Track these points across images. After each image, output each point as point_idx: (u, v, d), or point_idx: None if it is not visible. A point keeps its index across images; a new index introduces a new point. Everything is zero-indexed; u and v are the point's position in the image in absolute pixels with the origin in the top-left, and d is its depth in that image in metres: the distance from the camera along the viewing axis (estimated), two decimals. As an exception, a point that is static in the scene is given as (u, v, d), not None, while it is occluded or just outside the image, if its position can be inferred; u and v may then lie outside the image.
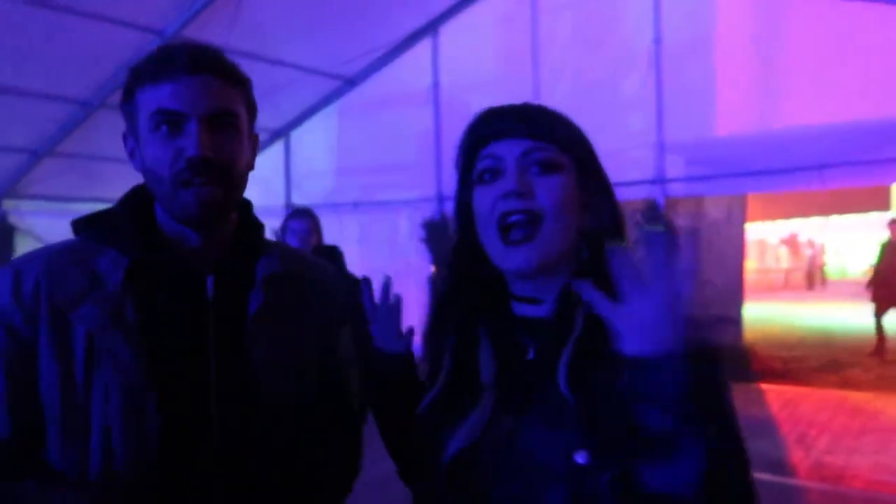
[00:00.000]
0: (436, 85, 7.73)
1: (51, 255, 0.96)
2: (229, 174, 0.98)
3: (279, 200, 9.22)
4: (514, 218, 0.80)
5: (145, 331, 0.92)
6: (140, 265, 0.95)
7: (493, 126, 0.87)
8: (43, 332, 0.90)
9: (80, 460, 0.89)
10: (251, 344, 0.99)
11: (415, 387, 0.98)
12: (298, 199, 9.13)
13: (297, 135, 9.02)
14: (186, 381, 0.94)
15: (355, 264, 8.70)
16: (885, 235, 7.61)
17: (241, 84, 1.02)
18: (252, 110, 1.05)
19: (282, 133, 9.00)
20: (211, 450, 0.95)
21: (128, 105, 1.00)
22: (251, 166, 1.07)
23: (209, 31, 6.29)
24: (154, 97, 0.94)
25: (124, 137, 1.03)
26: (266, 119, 8.50)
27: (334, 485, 1.15)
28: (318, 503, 1.11)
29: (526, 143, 0.83)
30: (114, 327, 0.90)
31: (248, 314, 0.99)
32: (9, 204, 8.46)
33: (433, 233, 7.90)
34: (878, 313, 7.54)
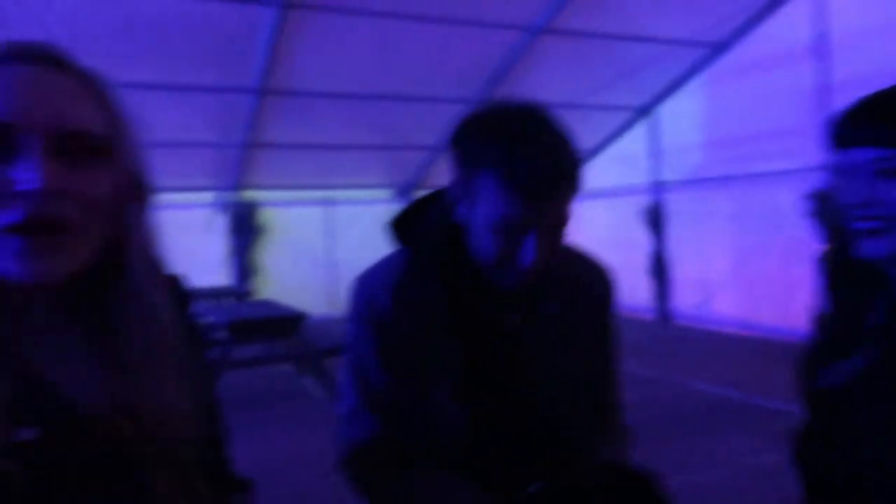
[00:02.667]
0: (821, 35, 6.79)
1: (393, 282, 1.11)
2: None
3: (645, 179, 9.18)
4: (868, 225, 0.91)
5: (468, 343, 1.08)
6: (460, 286, 1.09)
7: (845, 132, 0.92)
8: (397, 343, 1.09)
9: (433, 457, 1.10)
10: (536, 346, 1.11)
11: None
12: (666, 176, 8.96)
13: (661, 111, 8.84)
14: (496, 391, 1.09)
15: (729, 242, 8.21)
16: None
17: None
18: None
19: (645, 110, 8.91)
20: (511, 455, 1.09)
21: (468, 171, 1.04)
22: None
23: (575, 21, 6.57)
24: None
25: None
26: (629, 98, 8.52)
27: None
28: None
29: (874, 152, 0.88)
30: (444, 348, 1.08)
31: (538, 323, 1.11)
32: (418, 194, 10.07)
33: (823, 205, 7.00)
34: None
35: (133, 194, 0.70)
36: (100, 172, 0.65)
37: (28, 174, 0.59)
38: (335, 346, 5.16)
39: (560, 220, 1.00)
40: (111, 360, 0.70)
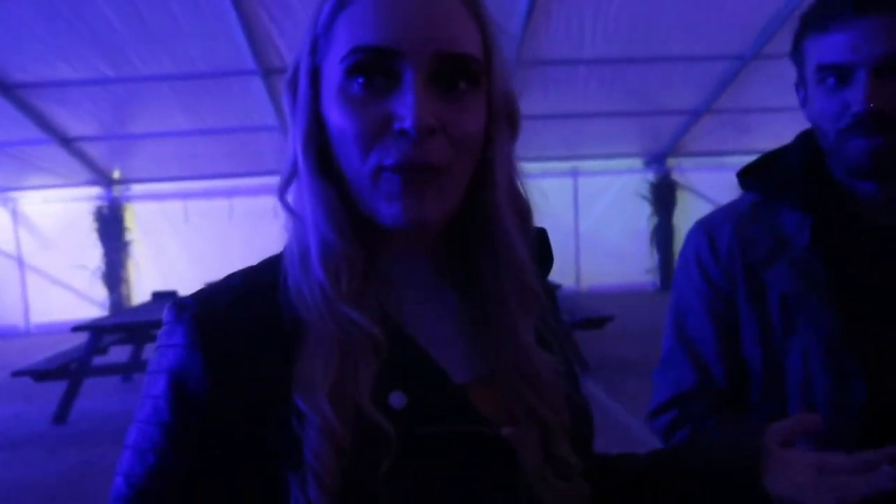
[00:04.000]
0: None
1: (738, 216, 1.01)
2: None
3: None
4: None
5: (839, 292, 0.91)
6: (824, 223, 0.94)
7: None
8: (740, 288, 0.97)
9: (778, 415, 0.94)
10: None
11: None
12: None
13: None
14: (886, 345, 0.89)
15: None
16: None
17: None
18: None
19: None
20: None
21: (796, 55, 0.98)
22: None
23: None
24: (818, 49, 0.90)
25: (796, 87, 1.01)
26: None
27: None
28: None
29: None
30: (808, 289, 0.91)
31: None
32: (672, 162, 9.52)
33: None
34: None
35: (503, 124, 0.62)
36: (476, 102, 0.59)
37: (409, 109, 0.54)
38: (585, 318, 5.09)
39: (891, 53, 0.84)
40: (478, 321, 0.64)
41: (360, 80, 0.56)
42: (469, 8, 0.59)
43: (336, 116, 0.58)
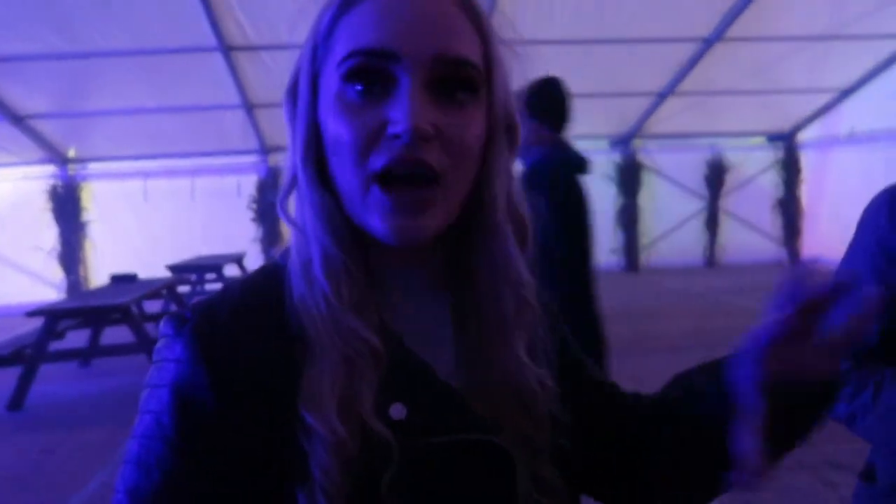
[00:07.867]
0: None
1: None
2: None
3: (917, 119, 7.77)
4: None
5: None
6: None
7: None
8: None
9: None
10: None
11: None
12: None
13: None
14: None
15: None
16: None
17: None
18: None
19: (924, 37, 7.46)
20: None
21: None
22: None
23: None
24: None
25: None
26: (903, 23, 7.18)
27: None
28: None
29: None
30: None
31: None
32: (637, 143, 9.60)
33: None
34: None
35: (503, 138, 0.61)
36: (475, 112, 0.58)
37: (404, 113, 0.53)
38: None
39: None
40: (471, 331, 0.63)
41: (358, 87, 0.55)
42: (471, 18, 0.58)
43: (332, 124, 0.57)
